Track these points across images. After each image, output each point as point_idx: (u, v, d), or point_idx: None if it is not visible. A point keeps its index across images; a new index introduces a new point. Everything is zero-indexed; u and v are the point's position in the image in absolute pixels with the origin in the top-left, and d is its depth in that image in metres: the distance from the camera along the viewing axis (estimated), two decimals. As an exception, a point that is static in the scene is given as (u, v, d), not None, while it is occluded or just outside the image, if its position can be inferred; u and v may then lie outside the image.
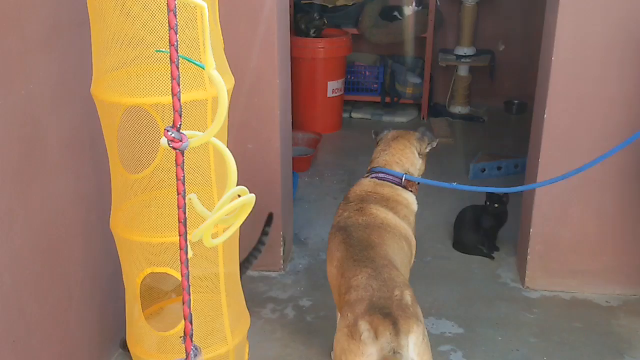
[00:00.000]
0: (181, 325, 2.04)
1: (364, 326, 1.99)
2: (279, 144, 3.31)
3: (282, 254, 3.47)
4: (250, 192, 1.26)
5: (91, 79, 2.54)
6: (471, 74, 6.01)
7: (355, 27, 5.91)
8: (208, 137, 1.15)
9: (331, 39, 5.54)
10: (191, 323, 1.28)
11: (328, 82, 5.61)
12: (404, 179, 2.63)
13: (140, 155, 2.11)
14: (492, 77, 6.07)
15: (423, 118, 6.03)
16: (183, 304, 1.26)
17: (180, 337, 1.32)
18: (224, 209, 1.17)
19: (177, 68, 1.09)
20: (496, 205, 3.51)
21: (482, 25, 5.93)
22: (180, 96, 1.10)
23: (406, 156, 2.70)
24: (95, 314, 2.65)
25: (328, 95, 5.65)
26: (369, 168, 2.73)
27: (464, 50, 5.87)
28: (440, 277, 3.43)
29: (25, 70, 2.14)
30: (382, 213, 2.48)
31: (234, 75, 2.15)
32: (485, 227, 3.64)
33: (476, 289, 3.32)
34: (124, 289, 2.29)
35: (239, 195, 1.22)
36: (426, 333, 2.04)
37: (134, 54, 1.87)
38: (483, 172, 4.67)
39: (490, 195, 3.56)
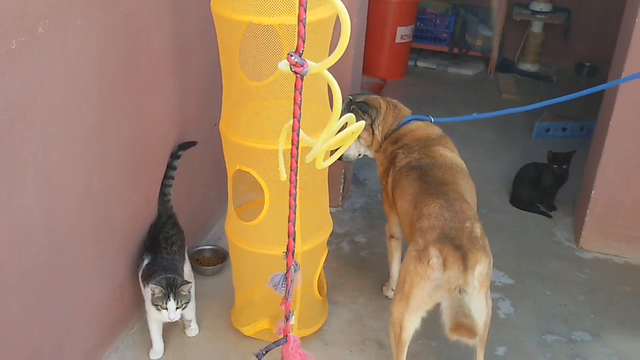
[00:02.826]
0: (257, 220, 2.40)
1: (433, 252, 2.11)
2: (350, 83, 3.37)
3: (341, 191, 3.57)
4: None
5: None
6: (545, 31, 5.87)
7: (431, -27, 5.81)
8: (328, 64, 1.22)
9: (405, -17, 5.47)
10: (294, 240, 1.38)
11: (398, 28, 5.57)
12: (432, 120, 2.78)
13: (261, 66, 2.29)
14: (566, 37, 5.92)
15: (490, 72, 5.95)
16: (289, 221, 1.36)
17: (283, 252, 1.42)
18: (337, 137, 1.25)
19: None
20: (564, 166, 3.51)
21: (562, -19, 5.75)
22: (305, 22, 1.17)
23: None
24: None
25: (396, 41, 5.62)
26: (395, 124, 2.78)
27: (540, 5, 5.72)
28: (495, 230, 3.48)
29: (126, -13, 2.24)
30: (448, 153, 2.57)
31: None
32: (545, 186, 3.66)
33: (529, 245, 3.37)
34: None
35: (346, 124, 1.30)
36: (491, 264, 2.17)
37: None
38: (547, 132, 4.64)
39: (554, 157, 3.55)
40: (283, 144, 1.49)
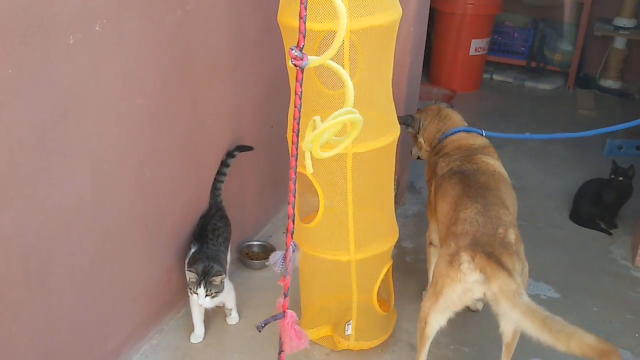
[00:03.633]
0: (314, 223, 2.43)
1: (465, 257, 2.15)
2: (405, 91, 3.42)
3: (394, 196, 3.61)
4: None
5: (239, 7, 2.78)
6: (628, 47, 5.66)
7: (510, -14, 5.76)
8: (325, 58, 1.31)
9: (481, -4, 5.45)
10: (293, 222, 1.47)
11: (472, 40, 5.55)
12: (484, 134, 2.76)
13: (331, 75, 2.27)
14: (652, 53, 5.69)
15: (569, 88, 5.82)
16: (289, 204, 1.45)
17: (283, 232, 1.51)
18: (329, 122, 1.34)
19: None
20: (620, 178, 3.41)
21: (648, -5, 5.53)
22: (306, 20, 1.27)
23: (461, 118, 2.89)
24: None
25: (470, 54, 5.60)
26: (439, 135, 2.83)
27: (623, 21, 5.52)
28: (549, 244, 3.43)
29: (183, -7, 2.41)
30: (491, 161, 2.59)
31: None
32: (607, 202, 3.55)
33: (583, 261, 3.28)
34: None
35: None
36: (526, 271, 2.21)
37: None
38: (620, 149, 4.49)
39: (615, 169, 3.45)
40: (310, 137, 1.56)
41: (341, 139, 1.51)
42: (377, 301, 2.64)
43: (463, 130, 2.81)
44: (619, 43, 5.65)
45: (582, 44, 5.69)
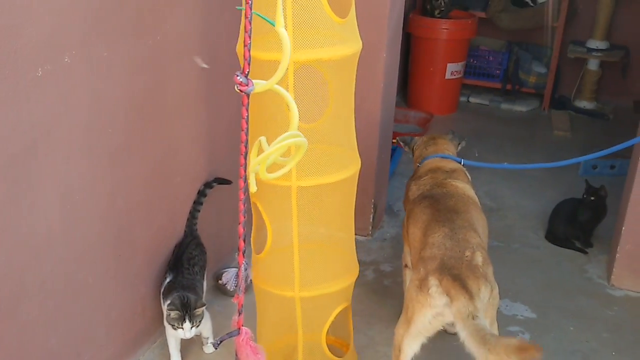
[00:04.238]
0: (262, 254, 2.39)
1: (433, 282, 2.16)
2: (380, 115, 3.46)
3: (371, 220, 3.63)
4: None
5: (212, 36, 2.80)
6: (601, 69, 5.77)
7: (484, 10, 5.86)
8: (271, 84, 1.34)
9: (455, 21, 5.54)
10: (244, 241, 1.49)
11: (448, 64, 5.63)
12: (462, 162, 2.81)
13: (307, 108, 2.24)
14: (624, 75, 5.79)
15: (544, 109, 5.91)
16: (239, 224, 1.48)
17: (236, 253, 1.52)
18: (275, 146, 1.36)
19: (250, 23, 1.29)
20: (592, 198, 3.46)
21: (618, 19, 5.65)
22: (250, 47, 1.30)
23: (450, 149, 2.95)
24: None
25: (446, 77, 5.67)
26: (418, 162, 2.90)
27: (596, 43, 5.64)
28: (525, 264, 3.45)
29: (154, 23, 2.43)
30: (461, 184, 2.62)
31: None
32: (581, 221, 3.59)
33: (559, 280, 3.31)
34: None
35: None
36: (495, 293, 2.17)
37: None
38: (594, 169, 4.54)
39: (588, 189, 3.50)
40: (256, 158, 1.58)
41: (287, 160, 1.54)
42: (338, 344, 2.59)
43: (439, 157, 2.85)
44: (593, 65, 5.76)
45: (556, 66, 5.80)
